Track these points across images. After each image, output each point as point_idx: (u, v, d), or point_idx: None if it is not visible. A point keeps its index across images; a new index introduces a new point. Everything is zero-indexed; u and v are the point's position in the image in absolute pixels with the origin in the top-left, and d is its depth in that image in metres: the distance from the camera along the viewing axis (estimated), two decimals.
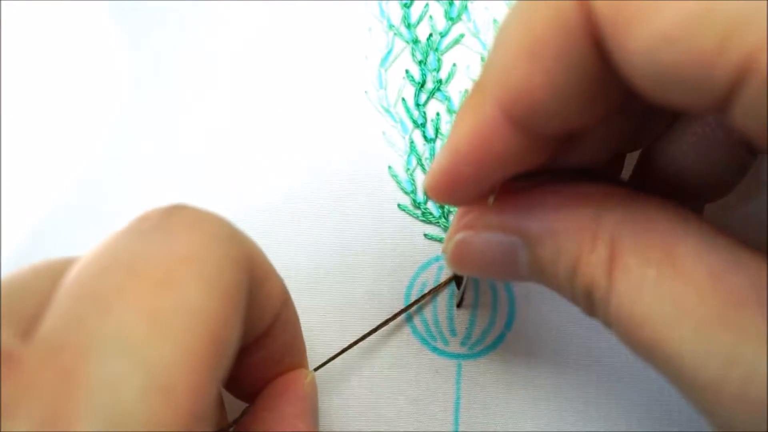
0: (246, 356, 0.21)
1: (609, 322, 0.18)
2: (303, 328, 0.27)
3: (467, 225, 0.20)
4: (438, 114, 0.29)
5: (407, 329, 0.28)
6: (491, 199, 0.20)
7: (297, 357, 0.23)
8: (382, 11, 0.29)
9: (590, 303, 0.18)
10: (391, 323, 0.27)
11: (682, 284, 0.16)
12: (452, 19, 0.29)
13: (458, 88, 0.28)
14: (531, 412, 0.26)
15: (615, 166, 0.23)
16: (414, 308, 0.28)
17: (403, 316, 0.28)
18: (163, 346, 0.14)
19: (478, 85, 0.18)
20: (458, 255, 0.21)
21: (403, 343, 0.28)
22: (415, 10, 0.29)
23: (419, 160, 0.29)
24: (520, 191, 0.19)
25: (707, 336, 0.15)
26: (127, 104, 0.30)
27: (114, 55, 0.30)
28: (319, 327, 0.28)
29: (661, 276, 0.16)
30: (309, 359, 0.25)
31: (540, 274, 0.19)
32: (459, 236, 0.21)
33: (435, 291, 0.27)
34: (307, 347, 0.27)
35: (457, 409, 0.27)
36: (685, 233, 0.17)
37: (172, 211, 0.17)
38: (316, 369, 0.26)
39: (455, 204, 0.21)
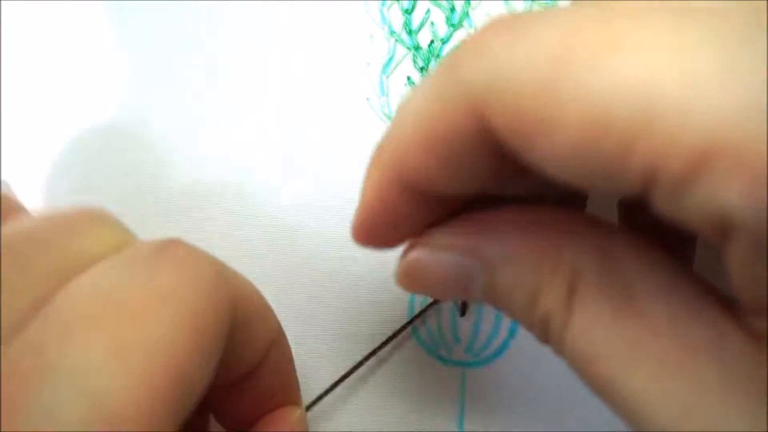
0: (236, 392, 0.21)
1: (563, 354, 0.17)
2: (307, 336, 0.27)
3: (421, 243, 0.19)
4: None
5: (410, 335, 0.28)
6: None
7: (289, 394, 0.23)
8: (383, 18, 0.29)
9: (545, 332, 0.18)
10: (396, 329, 0.27)
11: (640, 325, 0.16)
12: (454, 26, 0.29)
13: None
14: (535, 420, 0.26)
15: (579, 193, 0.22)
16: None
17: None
18: (117, 377, 0.14)
19: (381, 146, 0.18)
20: (409, 273, 0.20)
21: (407, 350, 0.28)
22: (417, 16, 0.29)
23: None
24: (481, 212, 0.19)
25: (663, 383, 0.15)
26: (125, 106, 0.29)
27: (113, 56, 0.30)
28: (323, 335, 0.28)
29: (619, 314, 0.16)
30: (312, 368, 0.25)
31: (495, 299, 0.19)
32: (412, 254, 0.20)
33: (433, 305, 0.27)
34: (309, 353, 0.27)
35: (461, 417, 0.27)
36: (646, 269, 0.16)
37: (163, 247, 0.17)
38: (308, 407, 0.25)
39: (385, 247, 0.20)
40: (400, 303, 0.28)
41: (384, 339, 0.27)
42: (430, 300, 0.27)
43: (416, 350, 0.28)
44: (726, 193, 0.12)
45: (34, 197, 0.29)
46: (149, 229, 0.28)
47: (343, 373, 0.26)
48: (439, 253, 0.19)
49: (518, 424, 0.27)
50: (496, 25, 0.14)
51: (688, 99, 0.12)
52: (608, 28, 0.13)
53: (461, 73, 0.14)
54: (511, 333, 0.27)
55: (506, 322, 0.27)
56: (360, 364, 0.26)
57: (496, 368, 0.27)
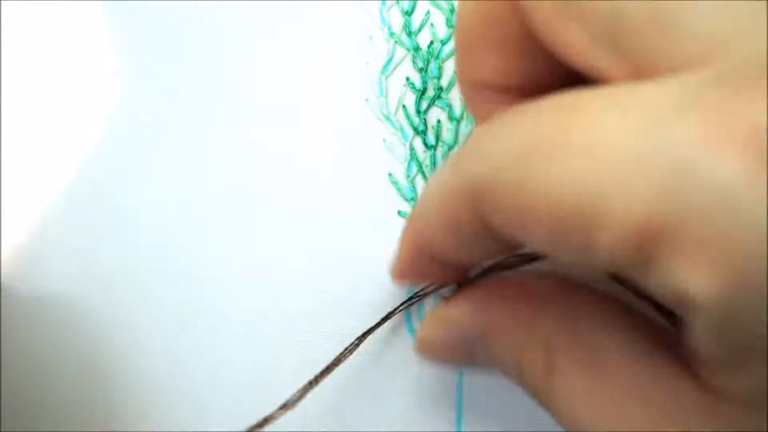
0: None
1: (553, 416, 0.19)
2: (299, 332, 0.27)
3: (432, 318, 0.23)
4: (439, 121, 0.29)
5: (407, 334, 0.28)
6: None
7: None
8: (383, 19, 0.29)
9: (537, 398, 0.20)
10: (393, 333, 0.27)
11: (611, 394, 0.17)
12: (453, 27, 0.29)
13: (459, 95, 0.28)
14: (534, 420, 0.26)
15: None
16: (415, 312, 0.28)
17: (404, 325, 0.28)
18: None
19: (411, 217, 0.22)
20: (423, 344, 0.24)
21: (403, 347, 0.27)
22: (416, 17, 0.29)
23: (420, 167, 0.29)
24: (482, 284, 0.22)
25: None
26: (122, 109, 0.30)
27: (111, 58, 0.30)
28: (316, 336, 0.28)
29: (593, 384, 0.18)
30: (302, 365, 0.25)
31: (495, 366, 0.21)
32: (420, 334, 0.24)
33: (420, 298, 0.27)
34: (304, 352, 0.27)
35: (459, 415, 0.27)
36: (612, 333, 0.18)
37: None
38: (295, 401, 0.25)
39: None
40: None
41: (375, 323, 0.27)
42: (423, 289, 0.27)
43: (413, 349, 0.28)
44: (676, 277, 0.13)
45: (29, 199, 0.29)
46: None
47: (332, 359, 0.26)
48: (441, 330, 0.23)
49: (517, 424, 0.27)
50: (489, 123, 0.16)
51: (624, 191, 0.13)
52: (562, 126, 0.14)
53: (459, 171, 0.16)
54: None
55: None
56: (351, 346, 0.26)
57: (493, 371, 0.27)
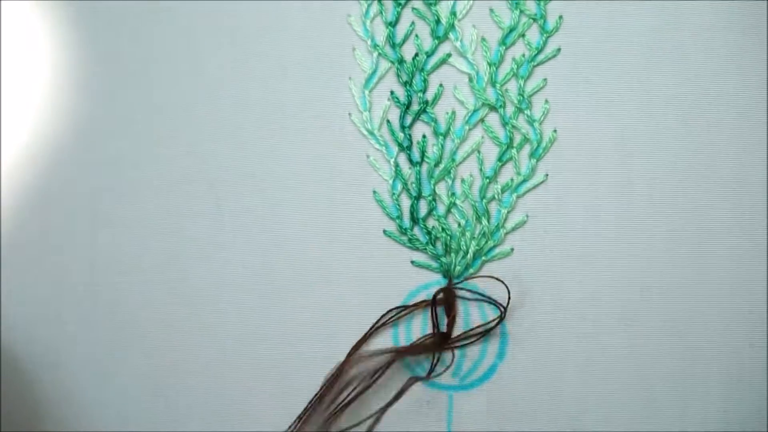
0: None
1: None
2: (283, 362, 0.27)
3: None
4: (424, 136, 0.28)
5: (397, 359, 0.27)
6: None
7: None
8: (366, 30, 0.28)
9: None
10: (381, 352, 0.27)
11: None
12: (439, 38, 0.27)
13: (445, 110, 0.28)
14: None
15: None
16: (404, 338, 0.27)
17: (391, 345, 0.27)
18: None
19: None
20: None
21: (393, 372, 0.27)
22: (401, 29, 0.28)
23: (405, 184, 0.28)
24: None
25: None
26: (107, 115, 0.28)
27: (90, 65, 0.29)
28: (302, 359, 0.27)
29: None
30: (290, 393, 0.25)
31: None
32: None
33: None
34: (287, 378, 0.27)
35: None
36: None
37: None
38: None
39: None
40: None
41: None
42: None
43: (402, 372, 0.27)
44: None
45: None
46: None
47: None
48: None
49: None
50: None
51: None
52: None
53: None
54: (500, 355, 0.27)
55: (494, 345, 0.27)
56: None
57: (484, 392, 0.27)
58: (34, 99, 0.29)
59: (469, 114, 0.27)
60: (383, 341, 0.27)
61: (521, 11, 0.27)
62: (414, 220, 0.28)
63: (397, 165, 0.28)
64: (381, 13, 0.28)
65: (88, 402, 0.28)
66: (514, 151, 0.27)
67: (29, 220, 0.29)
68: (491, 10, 0.27)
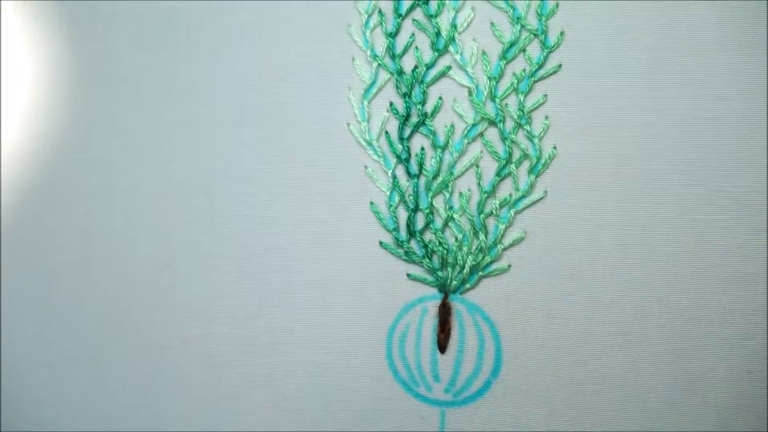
0: None
1: None
2: (279, 368, 0.27)
3: None
4: (422, 149, 0.27)
5: (389, 373, 0.27)
6: None
7: None
8: (365, 41, 0.27)
9: None
10: (372, 366, 0.26)
11: None
12: (439, 51, 0.27)
13: (444, 123, 0.27)
14: None
15: None
16: (396, 350, 0.27)
17: (385, 360, 0.27)
18: None
19: None
20: None
21: (385, 387, 0.27)
22: (401, 40, 0.28)
23: (402, 196, 0.27)
24: None
25: None
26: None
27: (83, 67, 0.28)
28: (296, 368, 0.27)
29: None
30: (280, 399, 0.25)
31: None
32: None
33: None
34: (282, 387, 0.27)
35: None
36: None
37: None
38: None
39: None
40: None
41: None
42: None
43: (394, 387, 0.27)
44: None
45: None
46: None
47: None
48: None
49: None
50: None
51: None
52: None
53: None
54: (494, 372, 0.27)
55: (489, 361, 0.27)
56: None
57: (477, 408, 0.27)
58: (27, 101, 0.28)
59: (468, 128, 0.27)
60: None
61: (522, 26, 0.27)
62: (411, 232, 0.27)
63: (394, 177, 0.27)
64: (381, 23, 0.27)
65: (81, 403, 0.28)
66: (513, 166, 0.27)
67: (24, 221, 0.28)
68: (492, 24, 0.27)
